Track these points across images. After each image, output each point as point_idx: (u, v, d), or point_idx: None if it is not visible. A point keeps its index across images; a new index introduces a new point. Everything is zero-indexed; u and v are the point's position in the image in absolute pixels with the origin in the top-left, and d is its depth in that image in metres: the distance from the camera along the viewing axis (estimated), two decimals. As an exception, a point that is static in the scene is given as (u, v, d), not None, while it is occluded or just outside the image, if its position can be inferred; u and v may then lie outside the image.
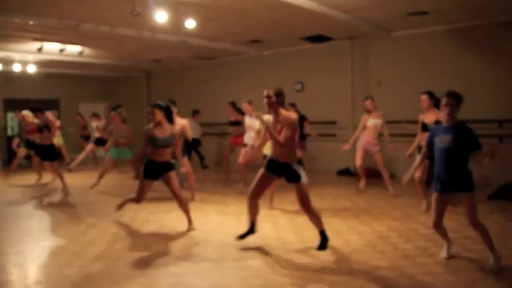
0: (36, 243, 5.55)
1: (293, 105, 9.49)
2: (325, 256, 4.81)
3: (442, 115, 4.70)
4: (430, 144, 4.51)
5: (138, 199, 5.95)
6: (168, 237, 5.70)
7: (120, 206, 6.38)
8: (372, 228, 5.93)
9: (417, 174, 6.52)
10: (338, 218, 6.50)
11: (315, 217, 4.99)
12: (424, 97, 6.64)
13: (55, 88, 17.20)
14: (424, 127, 6.55)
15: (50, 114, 9.83)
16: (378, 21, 9.50)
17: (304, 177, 4.85)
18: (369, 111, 8.03)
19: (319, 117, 11.30)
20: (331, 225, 6.04)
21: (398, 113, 9.85)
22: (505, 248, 4.83)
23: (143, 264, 4.71)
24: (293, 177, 4.87)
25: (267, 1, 7.47)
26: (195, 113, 12.77)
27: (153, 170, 5.79)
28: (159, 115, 5.73)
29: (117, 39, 10.46)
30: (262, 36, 10.85)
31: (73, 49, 11.81)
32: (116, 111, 9.17)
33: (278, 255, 4.90)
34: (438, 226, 4.54)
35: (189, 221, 5.98)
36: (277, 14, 8.50)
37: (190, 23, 8.43)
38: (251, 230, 5.26)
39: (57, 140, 11.52)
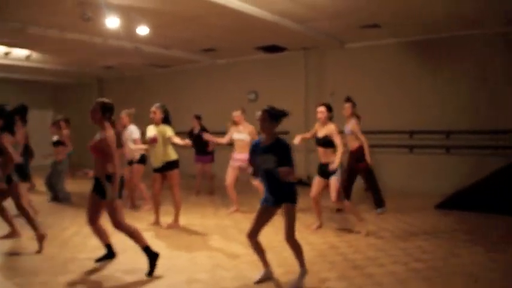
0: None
1: (198, 118, 10.01)
2: (274, 268, 4.75)
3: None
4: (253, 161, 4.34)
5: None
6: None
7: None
8: (324, 238, 5.94)
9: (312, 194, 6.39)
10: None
11: (130, 233, 4.61)
12: (323, 109, 6.23)
13: None
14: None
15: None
16: (331, 33, 9.62)
17: (110, 194, 4.46)
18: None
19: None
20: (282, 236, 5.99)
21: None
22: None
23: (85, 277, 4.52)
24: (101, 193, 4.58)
25: (220, 9, 7.40)
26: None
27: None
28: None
29: (67, 44, 10.13)
30: (217, 44, 10.80)
31: (20, 53, 11.37)
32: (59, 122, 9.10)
33: (227, 268, 4.81)
34: (253, 236, 4.33)
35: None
36: (232, 22, 8.47)
37: (142, 30, 8.30)
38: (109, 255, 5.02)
39: None
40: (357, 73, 10.59)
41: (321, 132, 6.16)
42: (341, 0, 7.27)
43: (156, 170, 6.60)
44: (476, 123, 9.01)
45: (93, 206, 4.72)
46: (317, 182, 6.27)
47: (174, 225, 6.70)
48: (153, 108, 6.56)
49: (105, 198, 4.51)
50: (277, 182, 4.10)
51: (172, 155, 6.58)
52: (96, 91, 16.79)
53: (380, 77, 10.27)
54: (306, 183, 10.77)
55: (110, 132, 4.56)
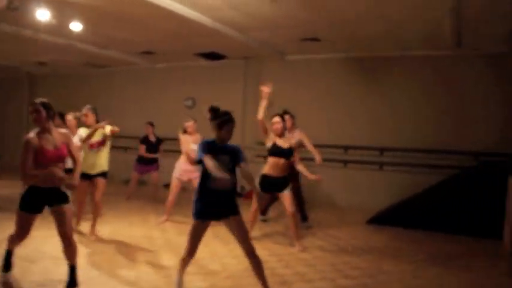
0: None
1: (151, 124, 9.74)
2: (199, 283, 4.54)
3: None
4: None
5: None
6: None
7: None
8: (253, 251, 5.78)
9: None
10: (219, 241, 6.27)
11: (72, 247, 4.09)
12: (278, 119, 6.08)
13: None
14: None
15: None
16: (271, 44, 9.58)
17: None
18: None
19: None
20: (211, 247, 5.81)
21: None
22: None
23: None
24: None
25: (162, 12, 7.15)
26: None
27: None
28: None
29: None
30: (156, 48, 10.50)
31: None
32: None
33: (152, 280, 4.55)
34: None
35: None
36: (173, 26, 8.22)
37: (76, 26, 7.90)
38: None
39: None
40: (296, 85, 10.60)
41: (284, 143, 5.87)
42: (282, 11, 7.22)
43: (87, 177, 6.00)
44: (410, 142, 9.22)
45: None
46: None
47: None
48: (84, 111, 6.11)
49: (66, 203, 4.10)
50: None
51: (106, 163, 6.22)
52: (27, 88, 15.86)
53: (318, 90, 10.34)
54: (240, 194, 10.65)
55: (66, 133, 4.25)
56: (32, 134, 3.92)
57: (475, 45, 8.53)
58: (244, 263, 5.24)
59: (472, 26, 7.32)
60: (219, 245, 6.02)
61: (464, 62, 9.00)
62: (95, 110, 6.16)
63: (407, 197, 7.97)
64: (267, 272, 4.87)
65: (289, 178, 5.97)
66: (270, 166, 5.82)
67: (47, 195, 3.99)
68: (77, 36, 9.09)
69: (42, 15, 7.16)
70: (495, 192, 6.97)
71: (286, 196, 5.84)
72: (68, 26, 7.97)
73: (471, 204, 7.21)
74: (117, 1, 6.96)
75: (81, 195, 6.19)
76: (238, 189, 10.84)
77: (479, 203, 7.16)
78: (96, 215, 6.17)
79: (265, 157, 6.37)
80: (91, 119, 6.07)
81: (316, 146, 10.06)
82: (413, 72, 9.42)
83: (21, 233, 4.09)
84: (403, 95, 9.44)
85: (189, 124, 7.36)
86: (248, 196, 10.36)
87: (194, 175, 7.06)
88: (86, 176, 5.92)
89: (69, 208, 4.08)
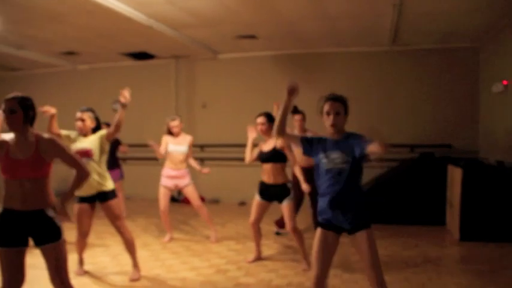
0: None
1: (108, 126, 8.63)
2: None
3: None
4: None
5: None
6: None
7: None
8: (209, 261, 5.41)
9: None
10: (168, 252, 5.84)
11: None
12: (263, 120, 5.31)
13: None
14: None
15: None
16: (205, 42, 9.21)
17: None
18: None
19: (139, 139, 10.48)
20: (163, 261, 5.38)
21: (222, 136, 10.00)
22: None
23: None
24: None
25: (91, 7, 6.57)
26: None
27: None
28: None
29: None
30: (79, 48, 9.72)
31: None
32: None
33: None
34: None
35: None
36: (99, 23, 7.59)
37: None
38: None
39: None
40: (229, 85, 10.34)
41: (267, 146, 5.20)
42: (221, 7, 6.90)
43: (85, 200, 4.60)
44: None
45: None
46: (259, 205, 5.19)
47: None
48: (79, 114, 4.70)
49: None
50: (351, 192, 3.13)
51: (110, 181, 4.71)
52: None
53: (252, 89, 10.13)
54: (176, 199, 10.22)
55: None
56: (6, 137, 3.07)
57: (408, 41, 8.74)
58: (204, 275, 4.88)
59: (411, 22, 7.45)
60: (171, 258, 5.59)
61: (397, 57, 9.24)
62: (94, 114, 4.85)
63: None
64: (230, 284, 4.58)
65: (292, 186, 5.16)
66: (263, 173, 5.24)
67: (27, 222, 2.96)
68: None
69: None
70: (435, 181, 7.38)
71: (284, 207, 5.05)
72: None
73: (415, 194, 7.44)
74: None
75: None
76: (175, 194, 10.40)
77: (423, 192, 7.42)
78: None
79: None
80: (89, 124, 4.72)
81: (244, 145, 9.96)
82: (349, 68, 9.51)
83: (9, 279, 2.95)
84: (339, 91, 9.45)
85: (175, 124, 6.44)
86: (186, 201, 9.95)
87: (183, 183, 6.34)
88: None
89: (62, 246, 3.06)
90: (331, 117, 3.19)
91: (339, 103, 3.25)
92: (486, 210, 6.31)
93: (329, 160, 3.12)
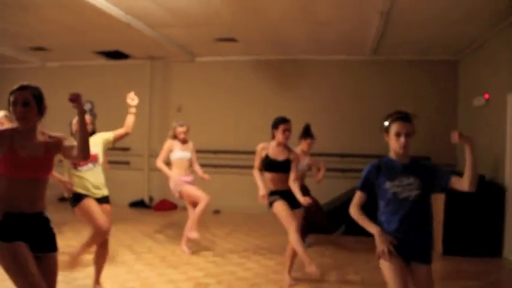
0: None
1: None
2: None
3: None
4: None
5: None
6: None
7: None
8: (186, 274, 5.08)
9: None
10: (142, 263, 5.47)
11: None
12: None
13: None
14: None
15: None
16: (183, 43, 8.89)
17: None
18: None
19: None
20: (138, 273, 5.01)
21: (196, 142, 9.62)
22: None
23: None
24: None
25: (65, 1, 6.20)
26: None
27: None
28: None
29: None
30: (49, 43, 9.21)
31: None
32: None
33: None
34: None
35: None
36: (73, 17, 7.19)
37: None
38: None
39: None
40: (206, 89, 10.05)
41: (281, 155, 4.74)
42: (203, 7, 6.63)
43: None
44: (323, 147, 9.09)
45: None
46: (287, 209, 4.60)
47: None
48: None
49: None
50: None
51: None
52: None
53: (230, 94, 9.89)
54: (147, 206, 9.86)
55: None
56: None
57: (389, 51, 8.68)
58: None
59: (395, 32, 7.35)
60: (146, 270, 5.23)
61: (377, 67, 9.19)
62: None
63: (328, 203, 7.90)
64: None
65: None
66: (273, 180, 4.78)
67: (25, 228, 2.63)
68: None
69: None
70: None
71: (296, 215, 4.69)
72: None
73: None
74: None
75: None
76: (146, 201, 10.03)
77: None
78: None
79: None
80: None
81: (227, 152, 9.69)
82: (329, 77, 9.40)
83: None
84: (319, 99, 9.35)
85: (183, 130, 6.11)
86: (160, 208, 9.59)
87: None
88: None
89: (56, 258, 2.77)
90: (402, 139, 2.86)
91: (409, 123, 2.91)
92: (468, 225, 6.23)
93: (401, 186, 2.85)
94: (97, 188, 4.33)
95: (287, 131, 4.71)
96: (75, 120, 3.84)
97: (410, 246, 2.80)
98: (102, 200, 4.39)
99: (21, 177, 2.61)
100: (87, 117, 4.18)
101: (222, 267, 5.39)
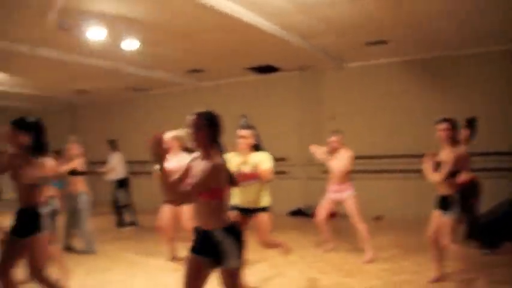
0: None
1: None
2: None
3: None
4: None
5: None
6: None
7: None
8: (363, 282, 4.94)
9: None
10: (315, 272, 5.46)
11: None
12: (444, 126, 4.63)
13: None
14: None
15: None
16: (332, 50, 8.89)
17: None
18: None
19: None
20: (314, 281, 5.01)
21: (355, 149, 9.39)
22: None
23: None
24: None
25: (229, 22, 6.58)
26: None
27: None
28: None
29: (35, 62, 8.86)
30: (205, 65, 9.87)
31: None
32: None
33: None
34: None
35: None
36: (230, 37, 7.61)
37: (130, 44, 7.29)
38: None
39: None
40: (356, 95, 9.91)
41: (448, 156, 4.50)
42: (355, 12, 6.60)
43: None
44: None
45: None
46: (435, 216, 4.66)
47: None
48: (242, 132, 4.56)
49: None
50: None
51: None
52: (69, 119, 15.31)
53: (381, 98, 9.62)
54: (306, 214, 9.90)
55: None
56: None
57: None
58: None
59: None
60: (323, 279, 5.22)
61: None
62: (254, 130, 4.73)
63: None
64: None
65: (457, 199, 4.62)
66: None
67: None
68: (126, 58, 8.51)
69: (97, 34, 6.58)
70: None
71: (445, 220, 4.53)
72: (118, 46, 7.35)
73: None
74: (179, 13, 6.40)
75: None
76: (305, 209, 10.06)
77: None
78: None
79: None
80: (249, 141, 4.59)
81: (382, 157, 9.36)
82: (488, 70, 8.66)
83: None
84: (472, 96, 8.66)
85: (334, 139, 6.14)
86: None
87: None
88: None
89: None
90: None
91: None
92: None
93: None
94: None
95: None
96: None
97: None
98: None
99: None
100: (246, 132, 4.45)
101: (398, 276, 5.16)
